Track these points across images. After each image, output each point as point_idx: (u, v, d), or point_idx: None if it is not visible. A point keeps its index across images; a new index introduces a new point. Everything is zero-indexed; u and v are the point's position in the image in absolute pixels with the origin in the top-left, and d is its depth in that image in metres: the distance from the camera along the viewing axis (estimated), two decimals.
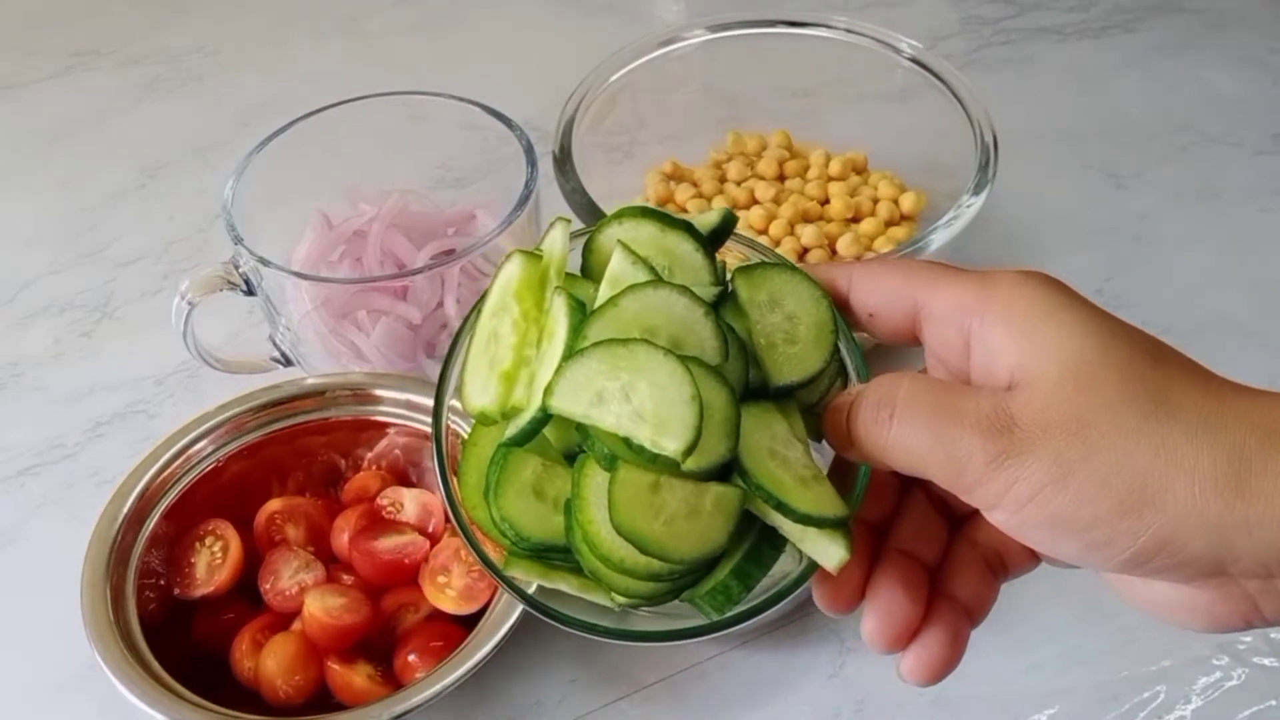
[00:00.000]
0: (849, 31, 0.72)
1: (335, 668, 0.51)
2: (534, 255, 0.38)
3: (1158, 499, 0.29)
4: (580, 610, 0.37)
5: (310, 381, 0.59)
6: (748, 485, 0.35)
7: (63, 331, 0.74)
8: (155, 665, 0.49)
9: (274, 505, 0.57)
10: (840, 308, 0.37)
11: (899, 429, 0.32)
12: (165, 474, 0.56)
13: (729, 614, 0.36)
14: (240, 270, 0.60)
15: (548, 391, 0.35)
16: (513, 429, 0.36)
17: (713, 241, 0.39)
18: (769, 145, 0.74)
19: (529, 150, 0.63)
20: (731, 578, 0.36)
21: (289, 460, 0.59)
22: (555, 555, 0.37)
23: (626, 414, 0.34)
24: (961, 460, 0.31)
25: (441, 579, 0.53)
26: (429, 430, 0.58)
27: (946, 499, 0.37)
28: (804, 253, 0.67)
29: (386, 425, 0.59)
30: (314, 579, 0.54)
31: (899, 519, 0.37)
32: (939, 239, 0.60)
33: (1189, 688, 0.53)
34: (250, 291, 0.61)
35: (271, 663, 0.51)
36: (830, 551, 0.35)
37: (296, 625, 0.53)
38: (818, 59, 0.73)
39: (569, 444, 0.37)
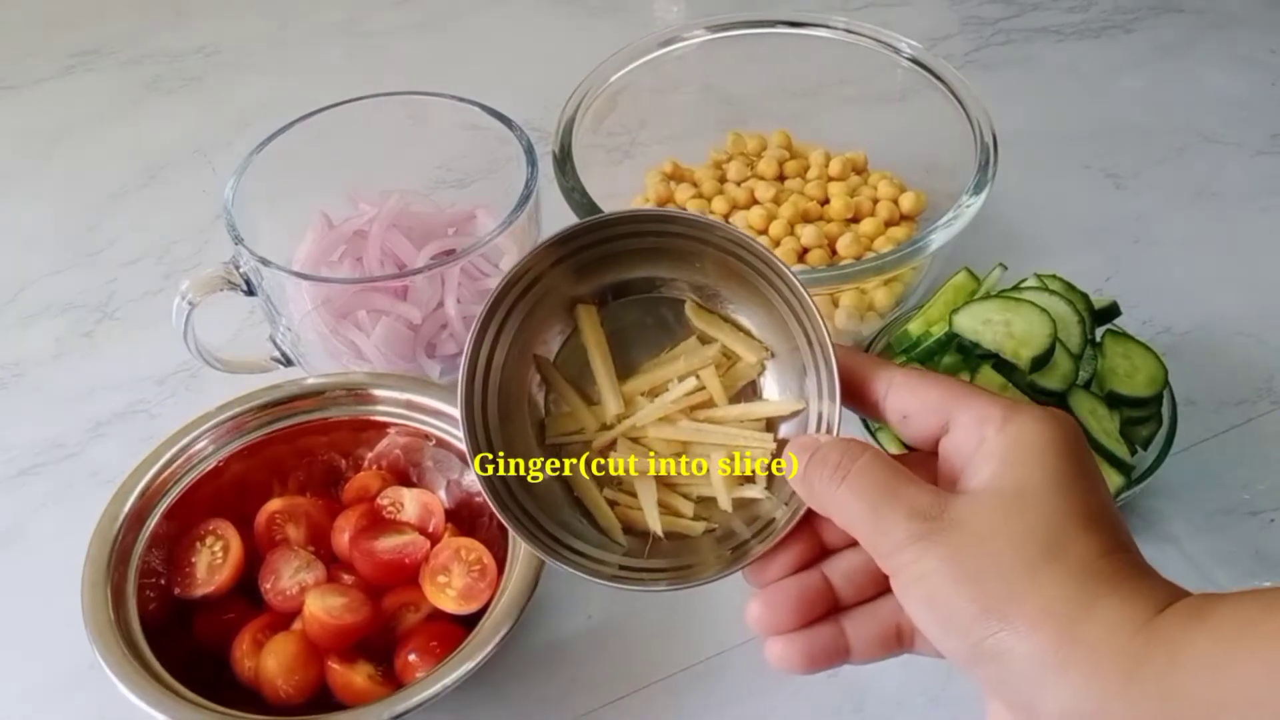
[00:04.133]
0: (848, 32, 0.72)
1: (335, 667, 0.51)
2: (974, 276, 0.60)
3: (1006, 625, 0.33)
4: None
5: (310, 381, 0.59)
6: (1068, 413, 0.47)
7: (63, 331, 0.74)
8: (156, 665, 0.49)
9: (274, 505, 0.57)
10: (870, 407, 0.41)
11: (845, 493, 0.37)
12: (166, 474, 0.56)
13: None
14: (241, 270, 0.60)
15: (954, 314, 0.55)
16: (920, 346, 0.57)
17: (1099, 318, 0.58)
18: (769, 145, 0.74)
19: (529, 150, 0.63)
20: None
21: (289, 460, 0.59)
22: None
23: (1002, 334, 0.54)
24: (884, 532, 0.36)
25: (441, 579, 0.53)
26: (429, 430, 0.58)
27: None
28: (804, 252, 0.67)
29: (387, 425, 0.59)
30: (314, 579, 0.54)
31: (844, 555, 0.40)
32: (939, 239, 0.60)
33: None
34: (251, 291, 0.61)
35: (272, 662, 0.51)
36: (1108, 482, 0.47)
37: (297, 625, 0.53)
38: (818, 59, 0.73)
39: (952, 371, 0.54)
